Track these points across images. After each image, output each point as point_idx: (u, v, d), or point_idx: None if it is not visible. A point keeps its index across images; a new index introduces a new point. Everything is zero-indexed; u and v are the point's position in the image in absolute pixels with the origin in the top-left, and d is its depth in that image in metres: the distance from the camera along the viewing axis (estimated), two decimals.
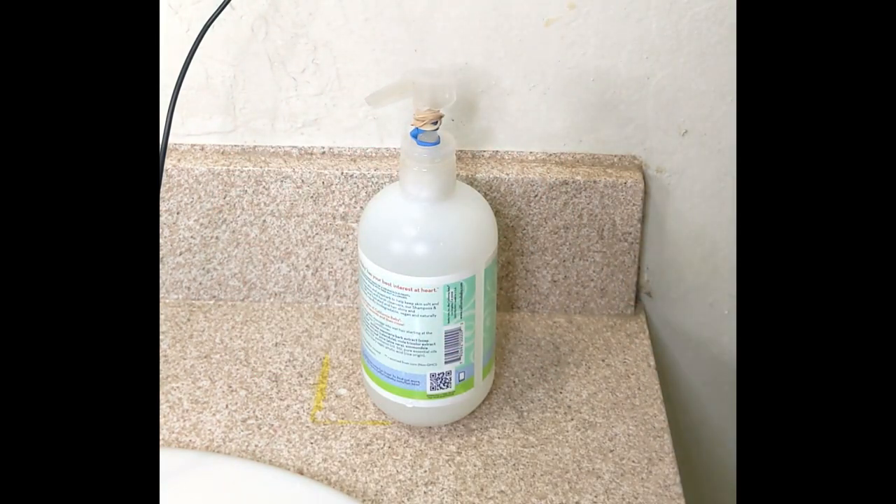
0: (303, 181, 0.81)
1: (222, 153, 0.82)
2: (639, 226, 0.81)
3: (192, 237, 0.83)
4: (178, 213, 0.82)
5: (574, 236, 0.81)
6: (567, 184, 0.80)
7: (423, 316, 0.69)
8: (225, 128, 0.82)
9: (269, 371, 0.79)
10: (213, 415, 0.75)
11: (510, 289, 0.84)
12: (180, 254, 0.84)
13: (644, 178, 0.81)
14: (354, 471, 0.71)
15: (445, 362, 0.71)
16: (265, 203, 0.81)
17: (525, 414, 0.75)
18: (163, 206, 0.82)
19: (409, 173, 0.68)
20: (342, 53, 0.78)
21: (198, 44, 0.71)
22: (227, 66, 0.79)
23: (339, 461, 0.72)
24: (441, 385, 0.71)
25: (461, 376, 0.72)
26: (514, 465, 0.71)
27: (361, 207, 0.81)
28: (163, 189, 0.81)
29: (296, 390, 0.77)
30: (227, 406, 0.76)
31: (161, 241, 0.83)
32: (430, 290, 0.68)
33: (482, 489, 0.70)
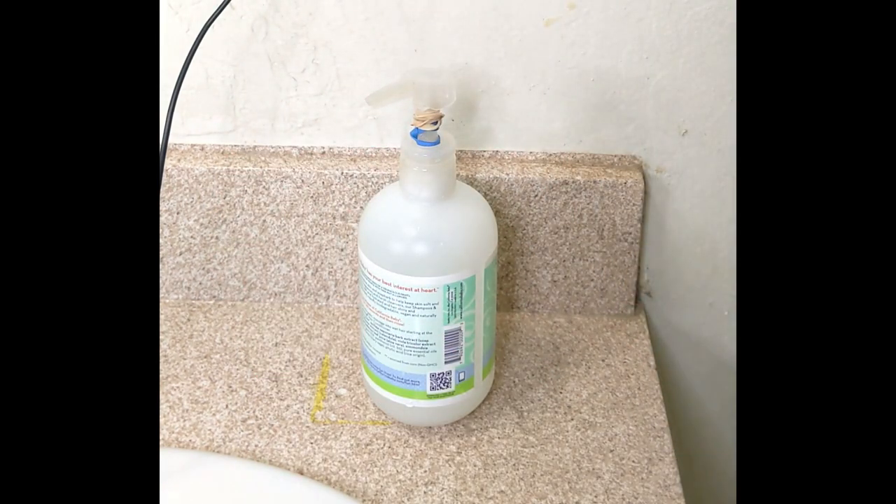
0: (303, 181, 0.81)
1: (222, 153, 0.82)
2: (639, 226, 0.81)
3: (192, 237, 0.83)
4: (178, 213, 0.82)
5: (574, 236, 0.81)
6: (567, 184, 0.80)
7: (423, 316, 0.69)
8: (225, 128, 0.82)
9: (269, 371, 0.79)
10: (213, 415, 0.75)
11: (510, 289, 0.84)
12: (180, 254, 0.84)
13: (644, 178, 0.81)
14: (354, 471, 0.71)
15: (445, 362, 0.71)
16: (265, 203, 0.81)
17: (525, 414, 0.75)
18: (163, 206, 0.82)
19: (409, 173, 0.68)
20: (342, 53, 0.78)
21: (198, 44, 0.71)
22: (227, 66, 0.79)
23: (339, 461, 0.72)
24: (441, 385, 0.71)
25: (461, 376, 0.72)
26: (514, 465, 0.71)
27: (361, 207, 0.81)
28: (163, 189, 0.81)
29: (296, 390, 0.77)
30: (227, 406, 0.76)
31: (161, 241, 0.83)
32: (430, 290, 0.68)
33: (482, 489, 0.70)
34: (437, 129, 0.68)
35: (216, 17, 0.72)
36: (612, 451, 0.73)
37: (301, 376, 0.78)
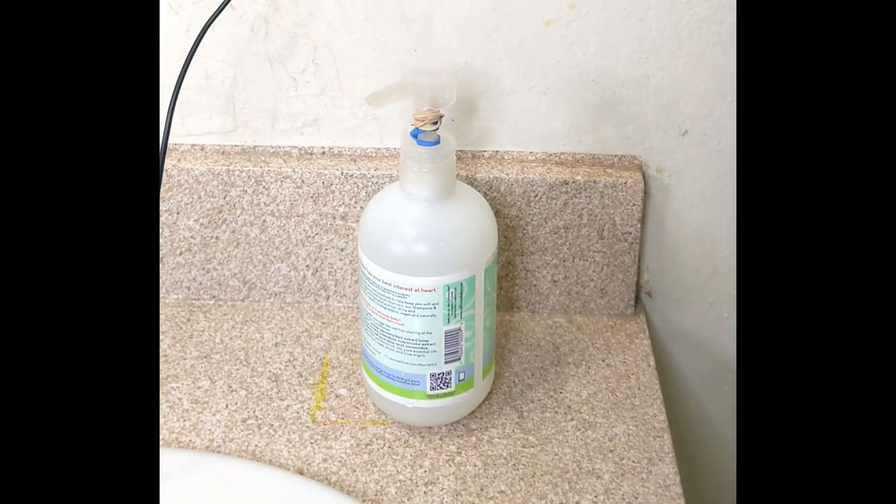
0: (303, 181, 0.81)
1: (222, 153, 0.82)
2: (639, 226, 0.81)
3: (192, 237, 0.83)
4: (178, 213, 0.82)
5: (574, 236, 0.81)
6: (567, 184, 0.80)
7: (423, 316, 0.69)
8: (225, 128, 0.82)
9: (269, 371, 0.79)
10: (213, 415, 0.75)
11: (510, 289, 0.84)
12: (180, 254, 0.84)
13: (644, 178, 0.81)
14: (354, 471, 0.71)
15: (445, 362, 0.71)
16: (265, 203, 0.81)
17: (525, 414, 0.75)
18: (163, 206, 0.82)
19: (409, 173, 0.68)
20: (342, 53, 0.78)
21: (198, 44, 0.71)
22: (227, 66, 0.79)
23: (339, 461, 0.72)
24: (441, 385, 0.71)
25: (461, 376, 0.72)
26: (514, 465, 0.71)
27: (361, 207, 0.81)
28: (163, 189, 0.81)
29: (296, 390, 0.77)
30: (227, 406, 0.76)
31: (161, 241, 0.83)
32: (430, 290, 0.68)
33: (482, 489, 0.70)
34: (437, 129, 0.68)
35: (216, 17, 0.72)
36: (612, 451, 0.73)
37: (301, 376, 0.78)
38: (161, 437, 0.73)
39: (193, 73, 0.79)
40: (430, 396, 0.72)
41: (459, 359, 0.71)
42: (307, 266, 0.84)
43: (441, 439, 0.73)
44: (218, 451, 0.72)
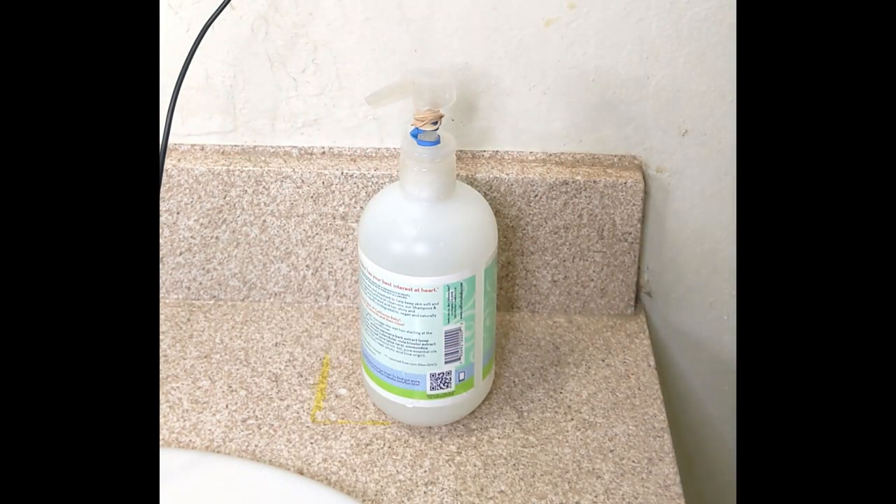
0: (303, 181, 0.81)
1: (222, 153, 0.82)
2: (639, 226, 0.81)
3: (192, 237, 0.83)
4: (178, 213, 0.82)
5: (574, 236, 0.81)
6: (567, 184, 0.80)
7: (423, 316, 0.69)
8: (225, 128, 0.82)
9: (269, 371, 0.79)
10: (213, 415, 0.75)
11: (510, 289, 0.84)
12: (180, 254, 0.84)
13: (644, 178, 0.81)
14: (354, 471, 0.71)
15: (445, 362, 0.71)
16: (265, 203, 0.81)
17: (525, 414, 0.75)
18: (163, 206, 0.82)
19: (409, 173, 0.68)
20: (342, 53, 0.78)
21: (198, 44, 0.71)
22: (227, 66, 0.79)
23: (339, 461, 0.72)
24: (441, 385, 0.71)
25: (461, 376, 0.72)
26: (514, 465, 0.71)
27: (361, 207, 0.81)
28: (163, 189, 0.81)
29: (296, 390, 0.77)
30: (227, 406, 0.76)
31: (161, 241, 0.83)
32: (430, 290, 0.68)
33: (482, 489, 0.70)
34: (437, 129, 0.68)
35: (216, 17, 0.72)
36: (612, 451, 0.73)
37: (301, 376, 0.78)
38: (161, 437, 0.73)
39: (193, 73, 0.79)
40: (430, 396, 0.72)
41: (459, 359, 0.71)
42: (307, 266, 0.84)
43: (441, 439, 0.73)
44: (218, 451, 0.72)
